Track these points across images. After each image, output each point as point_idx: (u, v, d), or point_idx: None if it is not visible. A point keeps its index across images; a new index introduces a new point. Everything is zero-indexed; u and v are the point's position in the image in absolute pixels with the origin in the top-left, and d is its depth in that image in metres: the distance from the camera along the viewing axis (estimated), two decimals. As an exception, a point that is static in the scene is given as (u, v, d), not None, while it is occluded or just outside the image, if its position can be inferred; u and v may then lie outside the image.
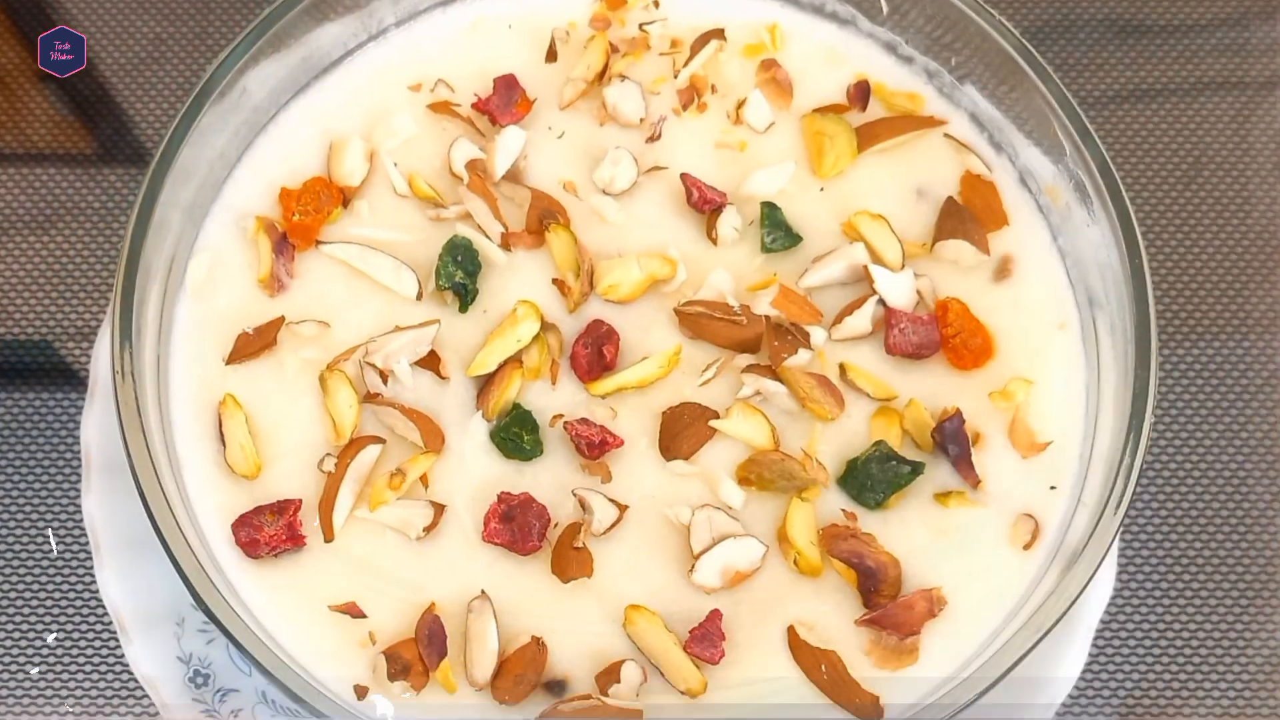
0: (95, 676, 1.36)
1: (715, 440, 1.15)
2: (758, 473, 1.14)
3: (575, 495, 1.13)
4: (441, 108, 1.23)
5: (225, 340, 1.17)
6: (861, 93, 1.24)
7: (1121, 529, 1.11)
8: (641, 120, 1.23)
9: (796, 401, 1.16)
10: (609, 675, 1.10)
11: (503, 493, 1.13)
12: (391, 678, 1.09)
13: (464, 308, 1.18)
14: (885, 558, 1.12)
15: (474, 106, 1.23)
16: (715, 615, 1.11)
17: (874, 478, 1.13)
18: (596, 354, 1.16)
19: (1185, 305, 1.46)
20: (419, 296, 1.18)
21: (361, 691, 1.10)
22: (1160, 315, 1.44)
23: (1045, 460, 1.15)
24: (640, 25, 1.26)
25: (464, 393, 1.16)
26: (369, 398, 1.16)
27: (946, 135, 1.24)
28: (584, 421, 1.15)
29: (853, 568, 1.12)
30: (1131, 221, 1.15)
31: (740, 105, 1.23)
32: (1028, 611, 1.09)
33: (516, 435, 1.15)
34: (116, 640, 1.35)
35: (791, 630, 1.11)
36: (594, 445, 1.14)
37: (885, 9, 1.25)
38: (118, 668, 1.36)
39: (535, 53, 1.25)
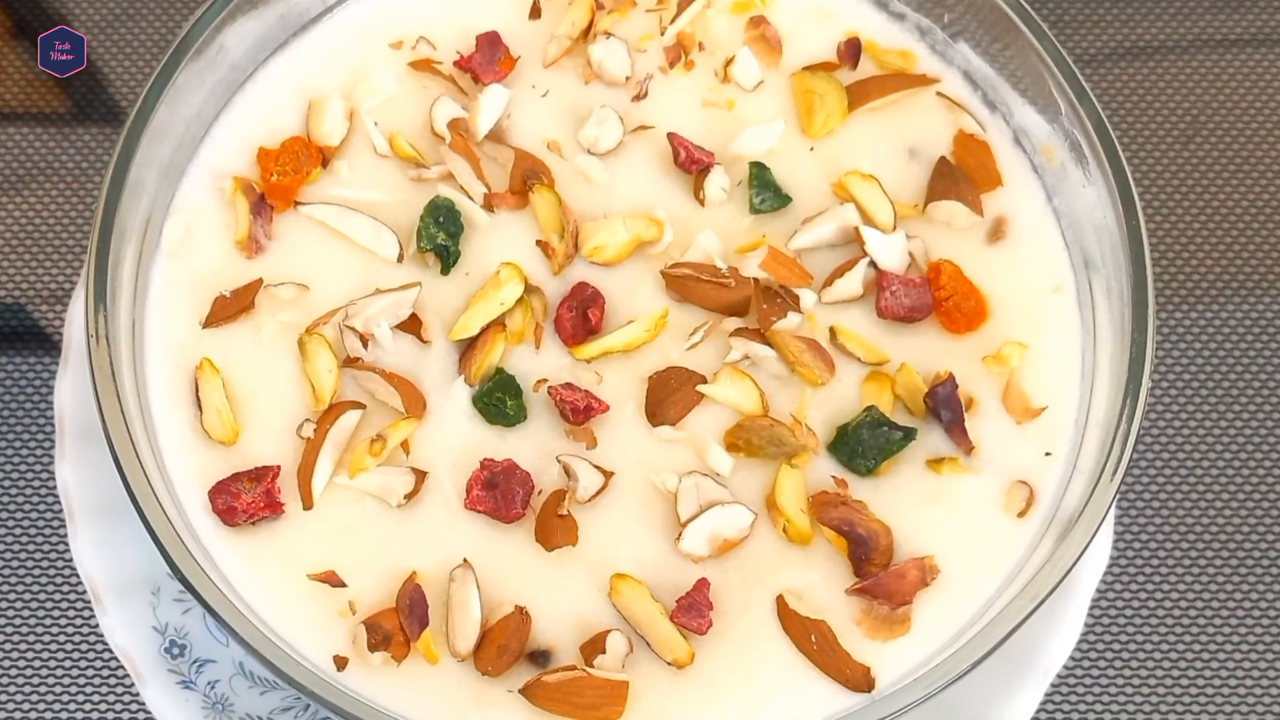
0: (69, 647, 1.35)
1: (703, 406, 1.14)
2: (746, 439, 1.13)
3: (559, 462, 1.12)
4: (423, 66, 1.22)
5: (202, 303, 1.16)
6: (852, 50, 1.23)
7: (1118, 496, 1.11)
8: (627, 79, 1.22)
9: (786, 366, 1.15)
10: (594, 646, 1.09)
11: (485, 459, 1.12)
12: (372, 648, 1.08)
13: (446, 270, 1.17)
14: (876, 525, 1.11)
15: (456, 64, 1.22)
16: (703, 584, 1.10)
17: (865, 444, 1.12)
18: (581, 317, 1.15)
19: (1184, 267, 1.46)
20: (400, 258, 1.17)
21: (341, 662, 1.09)
22: (1158, 277, 1.44)
23: (1040, 426, 1.14)
24: (626, -20, 1.25)
25: (446, 357, 1.15)
26: (349, 362, 1.15)
27: (939, 94, 1.22)
28: (568, 386, 1.14)
29: (843, 536, 1.11)
30: (1128, 182, 1.14)
31: (728, 63, 1.22)
32: (1022, 580, 1.09)
33: (499, 400, 1.13)
34: (90, 610, 1.35)
35: (780, 600, 1.10)
36: (579, 410, 1.13)
37: (876, -36, 1.24)
38: (91, 638, 1.36)
39: (518, 9, 1.24)
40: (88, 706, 1.35)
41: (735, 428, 1.13)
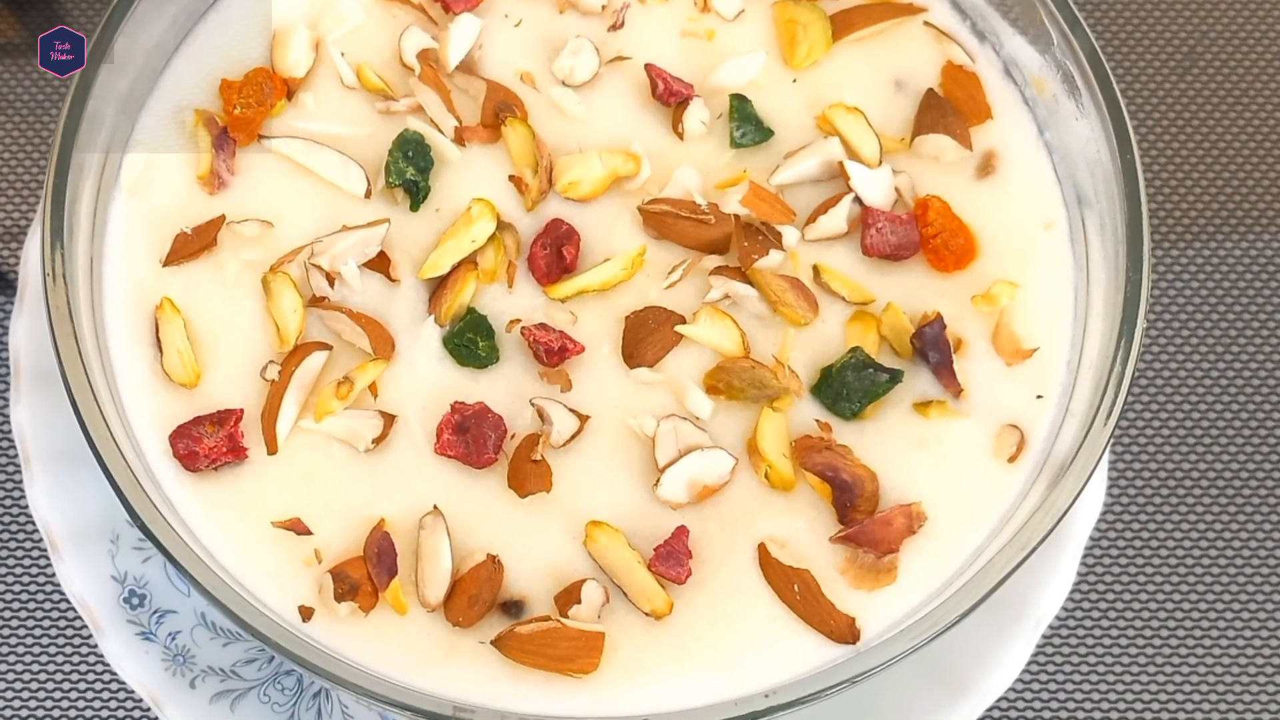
0: (25, 596, 1.35)
1: (681, 347, 1.13)
2: (727, 381, 1.12)
3: (533, 405, 1.11)
4: (392, -8, 1.21)
5: (162, 241, 1.15)
6: (837, -24, 1.22)
7: (1112, 440, 1.10)
8: (604, 7, 1.20)
9: (768, 306, 1.14)
10: (569, 596, 1.08)
11: (456, 402, 1.11)
12: (338, 598, 1.07)
13: (415, 206, 1.16)
14: (862, 471, 1.10)
15: (426, -9, 1.21)
16: (681, 532, 1.09)
17: (850, 386, 1.11)
18: (556, 255, 1.14)
19: (1180, 203, 1.45)
20: (367, 194, 1.16)
21: (307, 613, 1.08)
22: (1153, 213, 1.43)
23: (1031, 368, 1.13)
24: (599, -91, 1.23)
25: (415, 296, 1.14)
26: (314, 302, 1.14)
27: (926, 23, 1.20)
28: (542, 327, 1.13)
29: (827, 481, 1.10)
30: (1123, 114, 1.13)
31: (710, -10, 1.21)
32: (1013, 528, 1.08)
33: (471, 341, 1.13)
34: (47, 558, 1.34)
35: (762, 548, 1.10)
36: (553, 352, 1.12)
37: (862, -113, 1.23)
38: (48, 587, 1.35)
39: (490, -64, 1.23)
40: (44, 659, 1.34)
41: (715, 370, 1.12)
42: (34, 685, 1.34)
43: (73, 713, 1.34)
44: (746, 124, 1.17)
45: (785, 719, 1.06)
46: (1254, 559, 1.37)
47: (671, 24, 1.21)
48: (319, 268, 1.13)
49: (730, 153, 1.18)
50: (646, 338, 1.13)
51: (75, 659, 1.34)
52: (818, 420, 1.12)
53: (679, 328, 1.13)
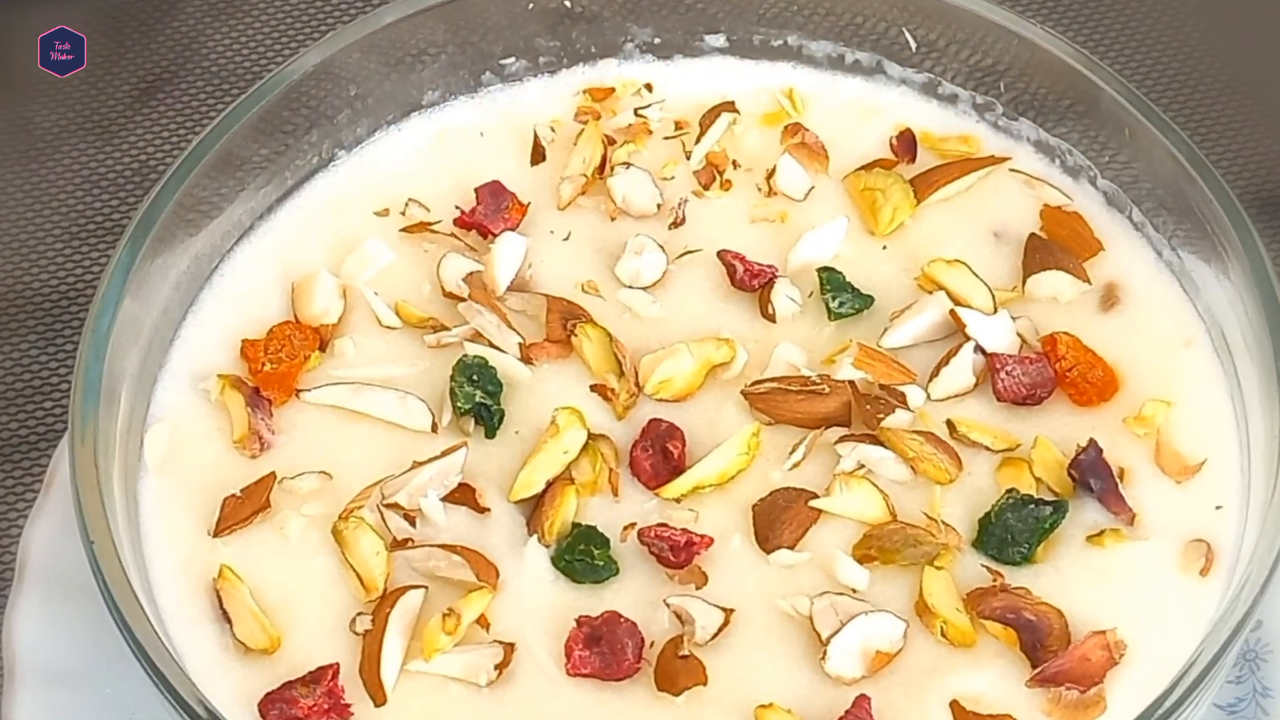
0: None
1: (821, 523, 1.46)
2: (879, 546, 1.44)
3: (668, 606, 1.42)
4: (418, 229, 1.61)
5: (205, 512, 1.47)
6: (906, 144, 1.65)
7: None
8: (659, 207, 1.62)
9: (906, 466, 1.48)
10: (754, 786, 1.38)
11: (581, 617, 1.40)
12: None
13: (491, 433, 1.50)
14: (1045, 608, 1.41)
15: (457, 222, 1.61)
16: (863, 700, 1.37)
17: (1013, 529, 1.44)
18: (661, 455, 1.48)
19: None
20: (434, 428, 1.50)
21: None
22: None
23: (1203, 481, 1.48)
24: (635, 111, 1.67)
25: (510, 521, 1.47)
26: (396, 545, 1.45)
27: (1013, 170, 1.64)
28: (662, 525, 1.44)
29: (1010, 625, 1.41)
30: (1257, 246, 1.51)
31: (770, 175, 1.63)
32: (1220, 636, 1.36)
33: (585, 554, 1.43)
34: None
35: (955, 705, 1.39)
36: (679, 548, 1.43)
37: (914, 45, 1.68)
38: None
39: (518, 156, 1.66)
40: None
41: (863, 539, 1.45)
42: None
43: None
44: (842, 292, 1.56)
45: None
46: None
47: (737, 212, 1.63)
48: (397, 507, 1.46)
49: (830, 326, 1.56)
50: (779, 518, 1.46)
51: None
52: (986, 566, 1.45)
53: (814, 503, 1.46)
